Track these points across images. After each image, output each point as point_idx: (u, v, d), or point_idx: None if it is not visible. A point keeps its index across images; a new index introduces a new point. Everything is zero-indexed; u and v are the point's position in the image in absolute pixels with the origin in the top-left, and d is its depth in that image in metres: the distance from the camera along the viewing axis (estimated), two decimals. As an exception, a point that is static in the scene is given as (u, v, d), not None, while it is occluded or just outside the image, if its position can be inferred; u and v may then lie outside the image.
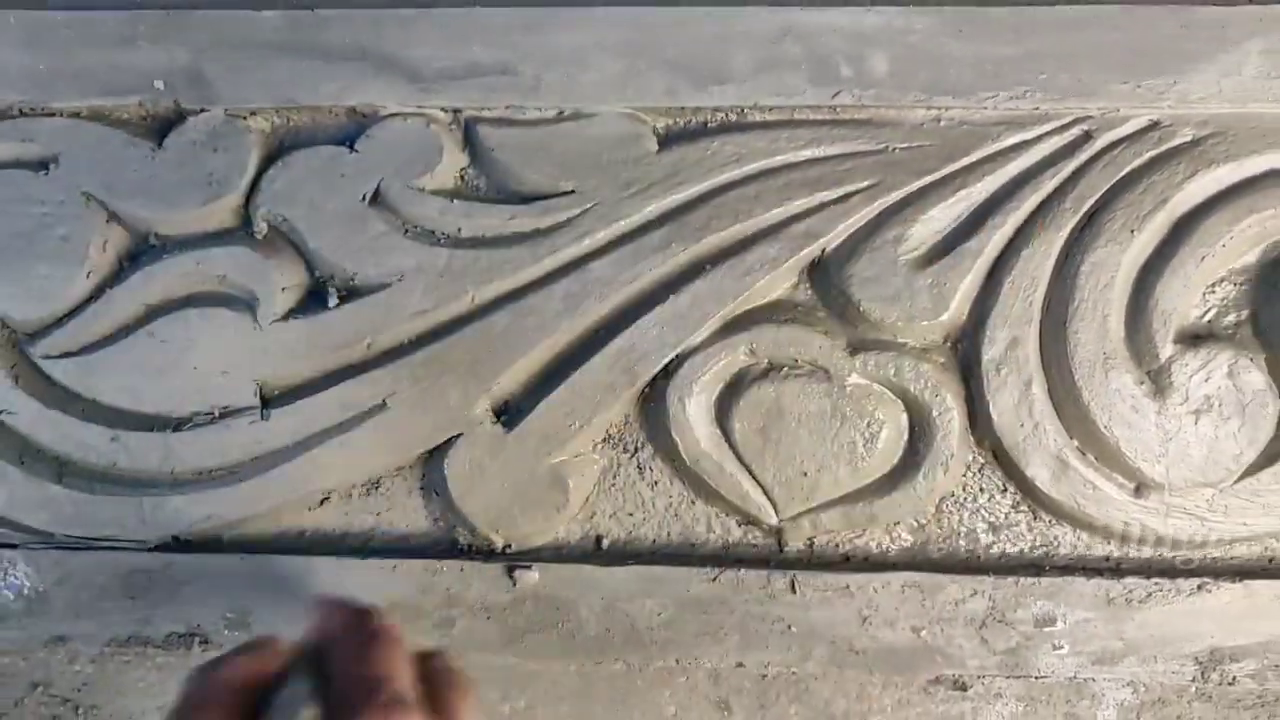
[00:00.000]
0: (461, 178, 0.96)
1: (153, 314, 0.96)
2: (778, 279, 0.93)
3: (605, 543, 0.97)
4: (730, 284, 0.92)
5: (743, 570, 0.94)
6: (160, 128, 0.99)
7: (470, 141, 0.96)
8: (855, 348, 0.91)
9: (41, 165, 0.98)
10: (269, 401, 0.95)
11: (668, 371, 0.93)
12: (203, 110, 0.98)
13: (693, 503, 0.96)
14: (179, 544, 0.98)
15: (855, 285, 0.90)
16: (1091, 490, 0.91)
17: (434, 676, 0.72)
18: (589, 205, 0.93)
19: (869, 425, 0.91)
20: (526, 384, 0.95)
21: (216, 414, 0.95)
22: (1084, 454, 0.91)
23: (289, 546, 0.98)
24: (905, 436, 0.92)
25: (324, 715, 0.63)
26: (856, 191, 0.92)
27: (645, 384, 0.93)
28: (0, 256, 0.97)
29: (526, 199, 0.95)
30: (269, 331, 0.94)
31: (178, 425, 0.95)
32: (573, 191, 0.94)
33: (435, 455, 0.96)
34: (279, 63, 0.96)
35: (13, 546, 0.98)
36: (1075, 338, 0.90)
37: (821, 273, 0.93)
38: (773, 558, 0.96)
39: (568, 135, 0.94)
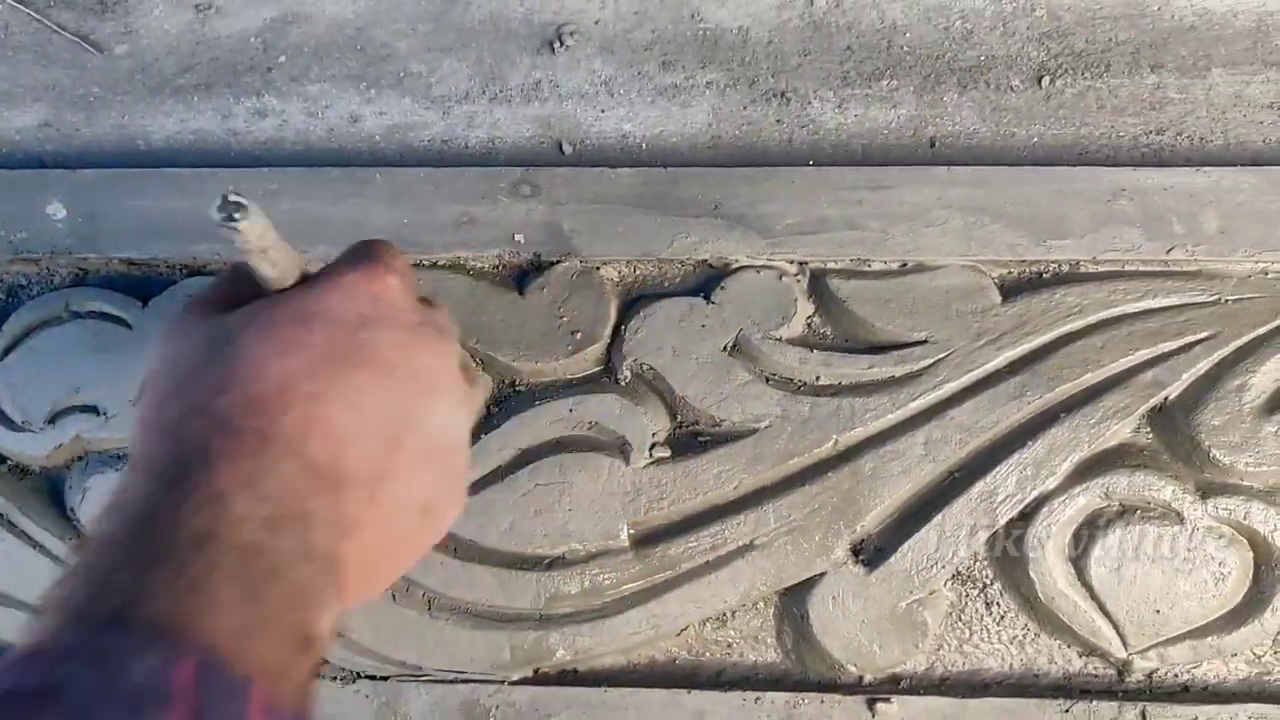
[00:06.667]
0: (809, 326, 1.05)
1: (525, 458, 1.03)
2: (1125, 425, 1.00)
3: (952, 673, 1.03)
4: (1085, 431, 1.00)
5: (1094, 702, 1.01)
6: (516, 277, 1.07)
7: (816, 291, 1.04)
8: (1205, 492, 0.99)
9: (408, 314, 1.04)
10: (640, 541, 1.01)
11: (1024, 514, 0.99)
12: (558, 262, 1.05)
13: (1037, 636, 1.03)
14: (539, 677, 1.03)
15: (1204, 433, 0.99)
16: None
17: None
18: (943, 354, 1.02)
19: (1220, 565, 0.99)
20: (886, 525, 1.02)
21: (591, 553, 1.01)
22: None
23: (642, 679, 1.06)
24: (1251, 574, 0.99)
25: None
26: (1197, 342, 1.01)
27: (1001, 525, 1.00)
28: (377, 403, 1.02)
29: (878, 348, 1.03)
30: (641, 475, 1.01)
31: (550, 564, 1.01)
32: (925, 341, 1.01)
33: (791, 592, 1.02)
34: (634, 218, 1.04)
35: (384, 679, 1.03)
36: None
37: (1165, 419, 1.01)
38: (1115, 688, 1.03)
39: (914, 287, 1.04)
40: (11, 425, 1.06)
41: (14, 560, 1.06)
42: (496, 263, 1.08)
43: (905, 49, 1.12)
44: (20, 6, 1.16)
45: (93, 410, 1.06)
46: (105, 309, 1.08)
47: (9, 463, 1.09)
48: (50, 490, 1.10)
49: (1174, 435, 1.02)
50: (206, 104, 1.16)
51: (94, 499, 1.06)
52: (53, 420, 1.07)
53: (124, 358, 1.07)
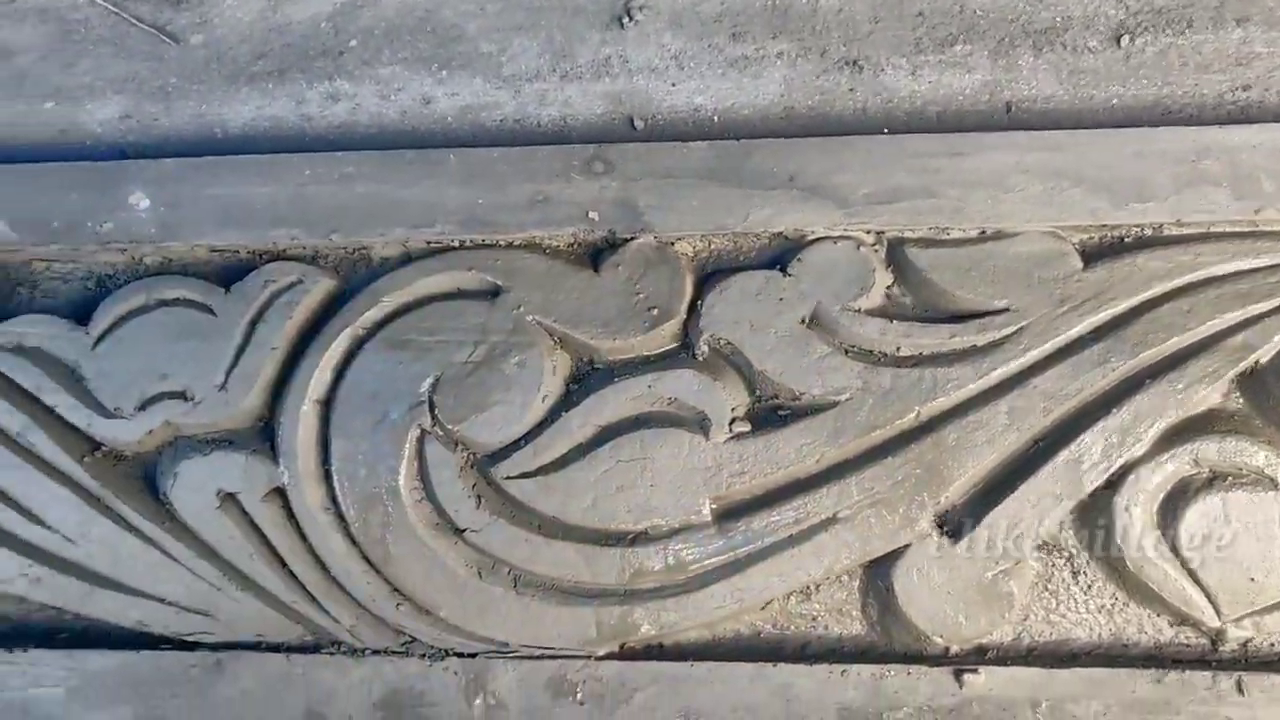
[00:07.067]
0: (888, 296, 1.04)
1: (605, 435, 1.03)
2: (1213, 390, 0.98)
3: (1039, 643, 1.02)
4: (1171, 398, 0.98)
5: (1186, 671, 0.99)
6: (591, 255, 1.06)
7: (894, 261, 1.03)
8: (1298, 456, 0.96)
9: (485, 294, 1.05)
10: (722, 515, 1.01)
11: (1110, 482, 0.98)
12: (633, 238, 1.04)
13: (1126, 605, 1.02)
14: (624, 652, 1.04)
15: (1298, 397, 0.96)
16: None
17: None
18: (1025, 322, 1.00)
19: (1316, 531, 0.96)
20: (970, 495, 1.01)
21: (674, 527, 1.01)
22: None
23: (728, 652, 1.06)
24: (1348, 540, 0.97)
25: None
26: (1289, 303, 0.97)
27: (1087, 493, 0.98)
28: (458, 384, 1.04)
29: (959, 317, 1.02)
30: (721, 449, 1.01)
31: (634, 540, 1.02)
32: (1006, 309, 1.00)
33: (876, 564, 1.02)
34: (708, 191, 1.04)
35: (472, 656, 1.04)
36: None
37: (1256, 383, 0.99)
38: (1209, 658, 1.02)
39: (993, 254, 1.02)
40: (104, 412, 1.09)
41: (111, 544, 1.09)
42: (572, 241, 1.08)
43: (978, 12, 1.10)
44: (99, 0, 1.18)
45: (180, 396, 1.09)
46: (189, 296, 1.10)
47: (104, 449, 1.11)
48: (143, 475, 1.12)
49: (1266, 400, 1.00)
50: (281, 90, 1.17)
51: (184, 483, 1.07)
52: (143, 407, 1.09)
53: (209, 343, 1.09)
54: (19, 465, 1.09)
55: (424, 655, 1.08)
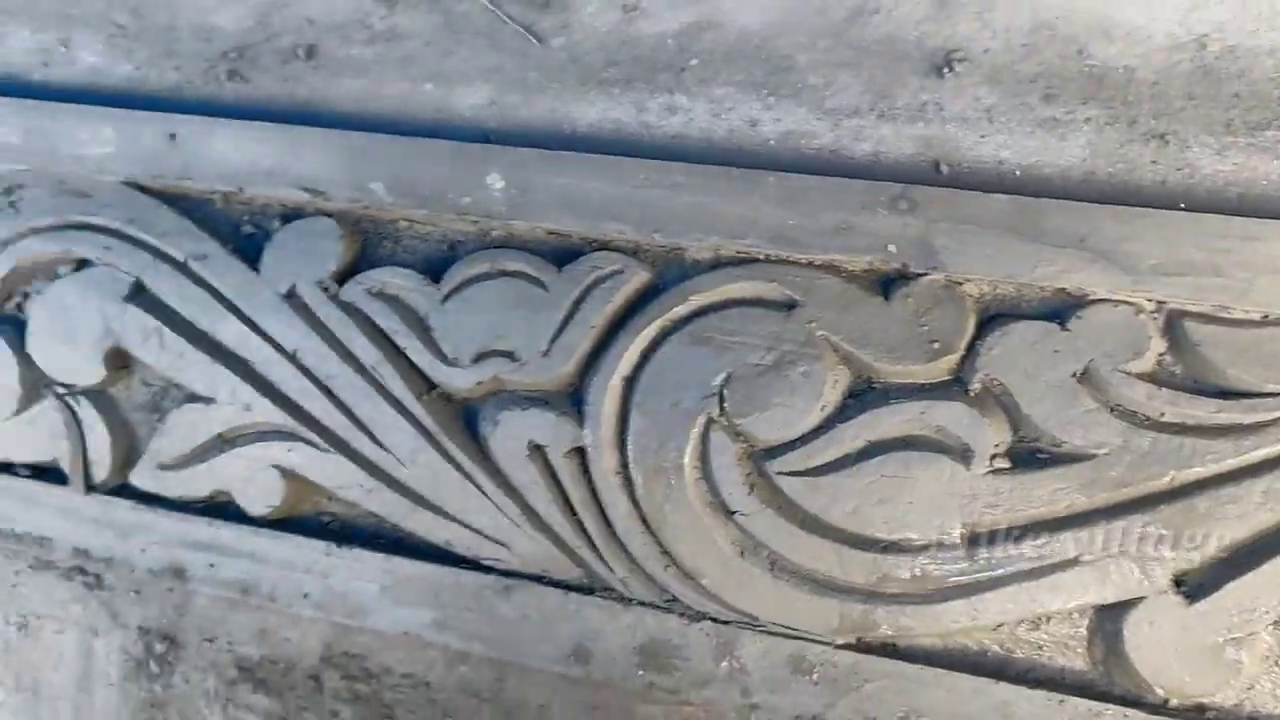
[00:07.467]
0: (1159, 363, 1.11)
1: (874, 449, 1.14)
2: None
3: (1261, 714, 1.08)
4: None
5: (1405, 767, 1.03)
6: (882, 283, 1.17)
7: (1170, 332, 1.10)
8: None
9: (782, 306, 1.17)
10: (970, 540, 1.11)
11: (1361, 575, 1.03)
12: (925, 274, 1.15)
13: (1355, 694, 1.06)
14: (860, 645, 1.16)
15: None
16: None
17: None
18: (1296, 409, 1.04)
19: None
20: (1213, 563, 1.08)
21: (924, 544, 1.12)
22: None
23: (956, 663, 1.17)
24: None
25: None
26: None
27: (1334, 582, 1.04)
28: (747, 382, 1.17)
29: (1228, 393, 1.08)
30: (979, 480, 1.11)
31: (886, 548, 1.13)
32: (1278, 394, 1.05)
33: (1108, 608, 1.10)
34: (1002, 241, 1.13)
35: (725, 623, 1.19)
36: None
37: None
38: None
39: (1274, 340, 1.08)
40: (444, 359, 1.28)
41: (435, 471, 1.29)
42: (867, 267, 1.20)
43: (1298, 101, 1.15)
44: (480, -1, 1.37)
45: (509, 356, 1.27)
46: (527, 270, 1.28)
47: (438, 390, 1.31)
48: (466, 418, 1.31)
49: None
50: (625, 97, 1.33)
51: (503, 431, 1.26)
52: (477, 360, 1.28)
53: (538, 313, 1.27)
54: (370, 394, 1.30)
55: (683, 614, 1.24)
